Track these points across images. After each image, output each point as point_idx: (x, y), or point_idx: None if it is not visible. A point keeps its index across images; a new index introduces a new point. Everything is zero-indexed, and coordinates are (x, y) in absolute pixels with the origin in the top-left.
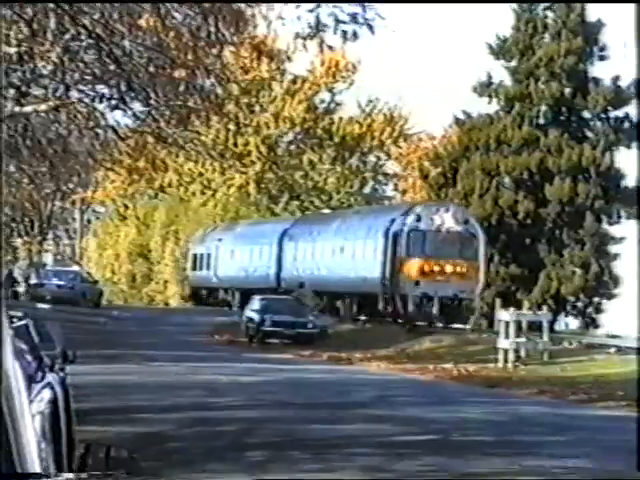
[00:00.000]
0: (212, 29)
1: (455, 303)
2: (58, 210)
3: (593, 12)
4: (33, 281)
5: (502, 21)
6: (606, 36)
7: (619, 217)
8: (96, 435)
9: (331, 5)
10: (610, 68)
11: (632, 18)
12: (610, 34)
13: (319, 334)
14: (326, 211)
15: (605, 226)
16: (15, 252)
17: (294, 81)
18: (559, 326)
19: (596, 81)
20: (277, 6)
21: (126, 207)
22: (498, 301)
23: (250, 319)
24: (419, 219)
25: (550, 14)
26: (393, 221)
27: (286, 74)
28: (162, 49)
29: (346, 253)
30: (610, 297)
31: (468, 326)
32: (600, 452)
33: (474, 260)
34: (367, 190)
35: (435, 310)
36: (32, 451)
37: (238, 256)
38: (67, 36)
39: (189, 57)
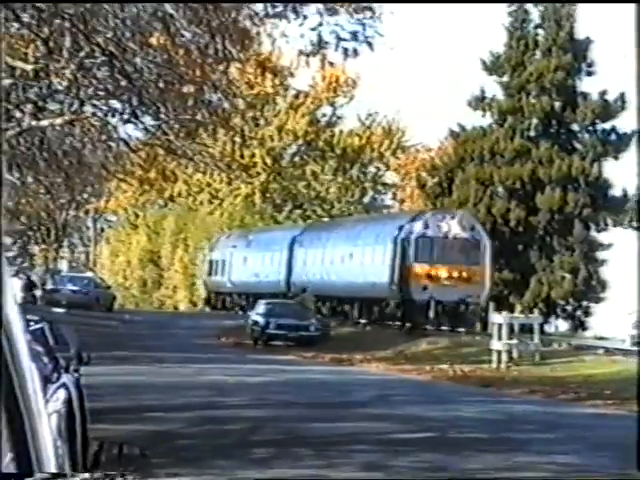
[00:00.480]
0: (219, 47)
1: (462, 307)
2: (73, 219)
3: (582, 30)
4: (49, 286)
5: (495, 38)
6: (594, 52)
7: (606, 225)
8: (109, 433)
9: (332, 23)
10: (598, 83)
11: (630, 20)
12: (598, 50)
13: (321, 336)
14: (337, 218)
15: (593, 233)
16: (32, 259)
17: (297, 96)
18: (549, 328)
19: (584, 95)
20: (281, 24)
21: (137, 216)
22: (491, 305)
23: (255, 322)
24: (426, 226)
25: (541, 32)
26: (401, 228)
27: (289, 89)
28: (172, 66)
29: (355, 259)
30: (598, 301)
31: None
32: (588, 449)
33: (480, 265)
34: (367, 199)
35: (432, 314)
36: (48, 450)
37: (251, 262)
38: (81, 54)
39: (197, 73)
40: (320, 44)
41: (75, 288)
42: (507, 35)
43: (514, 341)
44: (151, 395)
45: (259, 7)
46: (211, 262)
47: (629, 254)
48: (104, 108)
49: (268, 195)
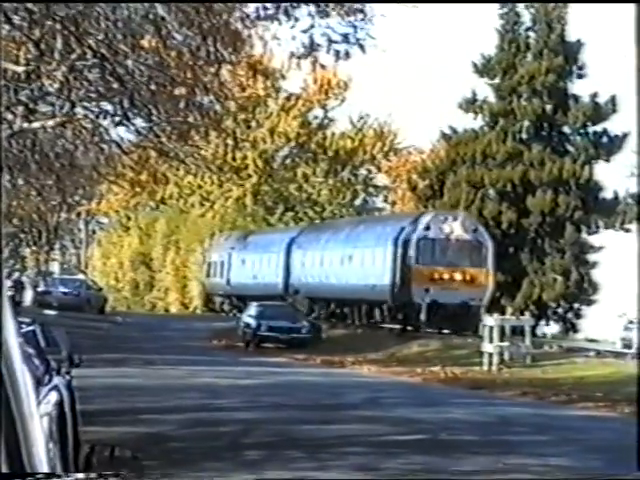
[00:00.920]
0: (211, 49)
1: (464, 310)
2: (64, 221)
3: (573, 32)
4: (40, 289)
5: (486, 41)
6: (585, 55)
7: (597, 227)
8: (100, 435)
9: (324, 26)
10: (589, 85)
11: (622, 22)
12: (589, 53)
13: (313, 339)
14: (336, 220)
15: (584, 236)
16: (24, 261)
17: (288, 98)
18: (540, 331)
19: (576, 98)
20: (272, 27)
21: (129, 218)
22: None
23: (247, 324)
24: (428, 227)
25: (532, 34)
26: (402, 229)
27: (281, 91)
28: (163, 68)
29: (355, 261)
30: (589, 303)
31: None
32: (580, 451)
33: (483, 267)
34: (358, 202)
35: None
36: (40, 452)
37: (249, 264)
38: (73, 56)
39: (189, 75)
40: (312, 46)
41: (66, 290)
42: (498, 37)
43: (505, 343)
44: (143, 397)
45: (251, 9)
46: (209, 264)
47: (620, 256)
48: (96, 110)
49: (259, 197)
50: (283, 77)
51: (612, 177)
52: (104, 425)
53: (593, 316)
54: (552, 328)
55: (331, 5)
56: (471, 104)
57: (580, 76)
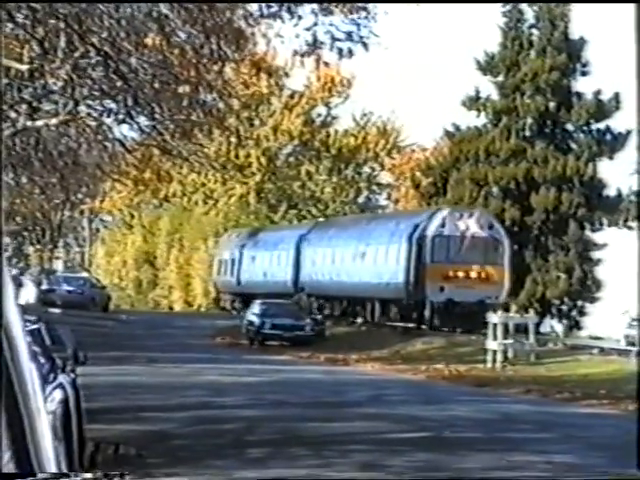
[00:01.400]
0: (214, 47)
1: (480, 308)
2: (68, 219)
3: (576, 30)
4: (44, 287)
5: (490, 38)
6: (588, 52)
7: (601, 224)
8: (105, 433)
9: (327, 24)
10: (592, 83)
11: (625, 20)
12: (592, 50)
13: (316, 336)
14: (347, 216)
15: (588, 233)
16: (27, 259)
17: (292, 96)
18: (544, 328)
19: (579, 95)
20: (276, 24)
21: (132, 216)
22: None
23: (251, 322)
24: (443, 224)
25: (535, 31)
26: (417, 226)
27: (284, 89)
28: (166, 66)
29: (368, 259)
30: (593, 301)
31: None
32: (584, 448)
33: (499, 265)
34: (361, 199)
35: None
36: (48, 450)
37: (259, 261)
38: (76, 54)
39: (192, 73)
40: (315, 44)
41: (70, 288)
42: (501, 35)
43: (509, 341)
44: (147, 395)
45: (254, 7)
46: (220, 261)
47: (624, 254)
48: (99, 108)
49: (263, 195)
50: (286, 75)
51: (615, 174)
52: (108, 423)
53: (597, 313)
54: (556, 325)
55: (334, 3)
56: (474, 102)
57: (583, 73)
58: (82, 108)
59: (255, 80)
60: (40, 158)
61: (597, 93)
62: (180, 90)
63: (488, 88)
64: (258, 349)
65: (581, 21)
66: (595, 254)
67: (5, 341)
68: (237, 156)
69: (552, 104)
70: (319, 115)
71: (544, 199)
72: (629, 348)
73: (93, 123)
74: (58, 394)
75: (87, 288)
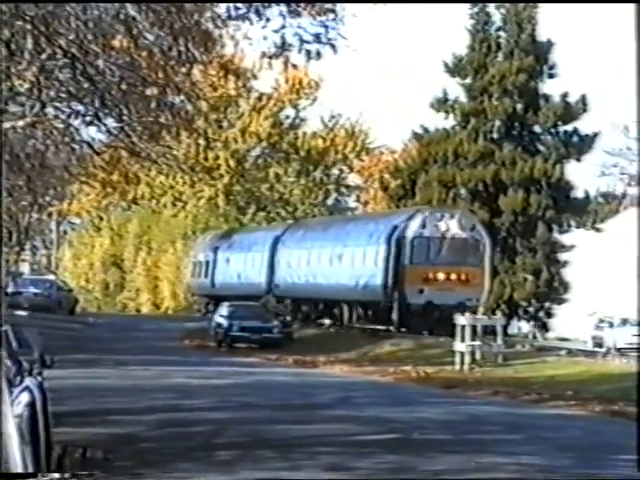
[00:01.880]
0: (182, 49)
1: (460, 311)
2: (35, 222)
3: (543, 32)
4: (10, 289)
5: (457, 41)
6: (555, 55)
7: (569, 226)
8: (72, 436)
9: (295, 26)
10: (559, 85)
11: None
12: (559, 53)
13: (284, 338)
14: (325, 217)
15: (556, 235)
16: None
17: (260, 98)
18: (512, 330)
19: (546, 97)
20: (244, 26)
21: (100, 218)
22: None
23: (219, 325)
24: (424, 226)
25: (503, 34)
26: (396, 228)
27: (252, 91)
28: (134, 68)
29: (345, 260)
30: (560, 302)
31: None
32: (551, 449)
33: (480, 267)
34: (330, 201)
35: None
36: (15, 451)
37: (233, 263)
38: (43, 56)
39: (160, 75)
40: (283, 46)
41: (37, 291)
42: (469, 37)
43: (477, 343)
44: (114, 398)
45: (222, 9)
46: (195, 264)
47: (591, 255)
48: (66, 110)
49: (232, 197)
50: (254, 77)
51: (583, 176)
52: (76, 426)
53: (564, 315)
54: (523, 327)
55: (302, 5)
56: (442, 104)
57: (551, 76)
58: (49, 110)
59: (223, 82)
60: (7, 160)
61: (564, 95)
62: (148, 92)
63: (456, 90)
64: (226, 351)
65: (548, 24)
66: (562, 256)
67: None
68: (206, 158)
69: (519, 106)
70: (287, 117)
71: (512, 201)
72: (596, 350)
73: (60, 125)
74: (25, 397)
75: (54, 291)
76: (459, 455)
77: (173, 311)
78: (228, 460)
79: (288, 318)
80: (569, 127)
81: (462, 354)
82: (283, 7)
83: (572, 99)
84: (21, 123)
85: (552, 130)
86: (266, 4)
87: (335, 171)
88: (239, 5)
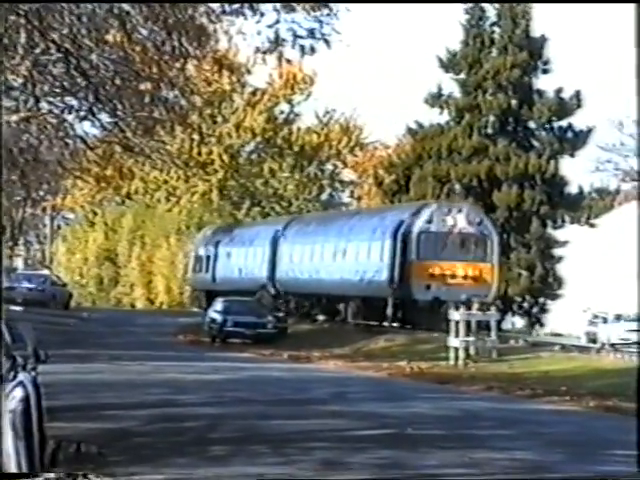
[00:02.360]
0: (176, 44)
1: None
2: (29, 216)
3: (538, 28)
4: (4, 284)
5: (452, 36)
6: (550, 50)
7: (563, 222)
8: (66, 431)
9: (289, 21)
10: (553, 80)
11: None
12: (553, 48)
13: (279, 334)
14: (328, 211)
15: (550, 230)
16: None
17: (254, 93)
18: (506, 325)
19: (540, 93)
20: (238, 21)
21: (94, 213)
22: None
23: (213, 320)
24: (430, 220)
25: (497, 29)
26: (402, 222)
27: (246, 86)
28: (128, 63)
29: (349, 255)
30: (554, 298)
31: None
32: (545, 445)
33: (488, 262)
34: (324, 197)
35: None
36: (9, 448)
37: (234, 258)
38: (37, 50)
39: (154, 70)
40: (277, 41)
41: (31, 286)
42: (464, 33)
43: (471, 338)
44: (109, 393)
45: (216, 4)
46: (196, 258)
47: (585, 251)
48: (60, 105)
49: (226, 193)
50: (249, 72)
51: (577, 172)
52: (70, 421)
53: (558, 311)
54: (518, 322)
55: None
56: (437, 99)
57: (545, 71)
58: (43, 105)
59: (217, 77)
60: (0, 155)
61: (558, 91)
62: (142, 87)
63: (450, 86)
64: (220, 347)
65: (542, 19)
66: (557, 251)
67: None
68: (199, 153)
69: (514, 102)
70: (281, 112)
71: (506, 196)
72: (590, 345)
73: (54, 120)
74: (18, 392)
75: (48, 286)
76: (453, 450)
77: (167, 306)
78: (222, 455)
79: (281, 314)
80: (563, 123)
81: (456, 349)
82: (277, 2)
83: (566, 95)
84: (15, 118)
85: (546, 125)
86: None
87: (329, 166)
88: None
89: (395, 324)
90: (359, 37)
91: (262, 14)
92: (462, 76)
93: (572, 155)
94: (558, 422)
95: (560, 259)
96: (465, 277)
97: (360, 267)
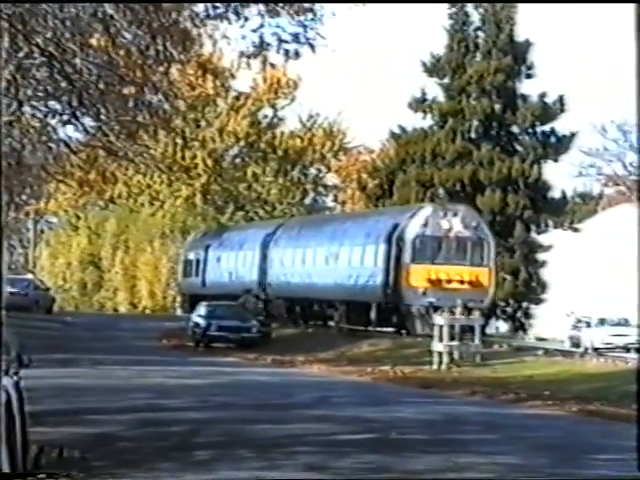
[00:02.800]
0: (160, 48)
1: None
2: (12, 220)
3: (522, 32)
4: None
5: (436, 40)
6: (533, 55)
7: (547, 226)
8: (49, 436)
9: (274, 25)
10: (537, 85)
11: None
12: (537, 53)
13: (263, 338)
14: (321, 214)
15: (533, 235)
16: None
17: (238, 97)
18: (490, 330)
19: (524, 98)
20: (222, 26)
21: (78, 218)
22: None
23: (197, 324)
24: (426, 224)
25: (481, 34)
26: (397, 226)
27: (230, 91)
28: (112, 67)
29: (342, 260)
30: (538, 302)
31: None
32: (528, 449)
33: (484, 267)
34: (308, 201)
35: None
36: None
37: (224, 262)
38: (20, 54)
39: (138, 74)
40: (261, 46)
41: (14, 290)
42: (447, 37)
43: (455, 342)
44: (92, 397)
45: (200, 8)
46: (186, 262)
47: (568, 256)
48: (43, 109)
49: (209, 197)
50: (233, 76)
51: (560, 176)
52: (53, 425)
53: (542, 315)
54: (501, 327)
55: (281, 4)
56: (420, 103)
57: (528, 76)
58: (26, 109)
59: (201, 81)
60: None
61: (542, 96)
62: (126, 91)
63: (434, 90)
64: (204, 351)
65: (526, 24)
66: (540, 256)
67: None
68: (183, 157)
69: (497, 106)
70: (265, 116)
71: (490, 201)
72: (573, 349)
73: (37, 124)
74: (1, 397)
75: (31, 290)
76: (437, 455)
77: (151, 310)
78: (206, 460)
79: (261, 318)
80: (547, 127)
81: (440, 354)
82: (261, 6)
83: (550, 99)
84: None
85: (530, 130)
86: (244, 3)
87: (313, 170)
88: (217, 4)
89: (389, 329)
90: (343, 42)
91: (246, 18)
92: (446, 81)
93: (555, 160)
94: (541, 426)
95: (544, 263)
96: (461, 282)
97: (354, 271)
